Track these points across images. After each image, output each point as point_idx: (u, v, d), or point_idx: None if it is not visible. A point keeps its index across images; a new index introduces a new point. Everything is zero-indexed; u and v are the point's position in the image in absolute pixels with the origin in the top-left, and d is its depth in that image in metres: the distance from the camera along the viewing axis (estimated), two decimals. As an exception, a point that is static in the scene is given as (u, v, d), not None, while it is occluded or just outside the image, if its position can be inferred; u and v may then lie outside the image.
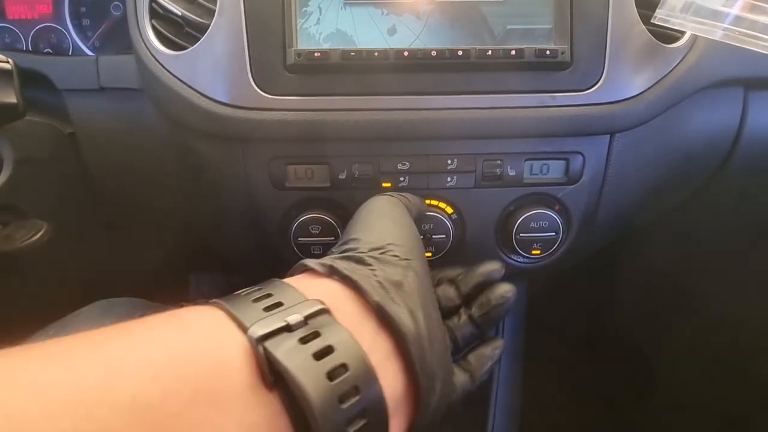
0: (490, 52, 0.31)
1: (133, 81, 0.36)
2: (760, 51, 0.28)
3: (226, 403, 0.15)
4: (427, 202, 0.36)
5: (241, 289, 0.21)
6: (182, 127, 0.35)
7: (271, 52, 0.32)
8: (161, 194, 0.43)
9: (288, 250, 0.36)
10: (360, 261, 0.23)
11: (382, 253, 0.24)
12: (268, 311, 0.18)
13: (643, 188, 0.39)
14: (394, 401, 0.20)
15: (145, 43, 0.33)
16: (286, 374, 0.16)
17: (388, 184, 0.35)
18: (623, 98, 0.33)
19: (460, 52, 0.31)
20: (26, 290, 0.40)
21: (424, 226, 0.36)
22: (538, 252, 0.37)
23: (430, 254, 0.37)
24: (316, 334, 0.18)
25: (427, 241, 0.36)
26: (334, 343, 0.18)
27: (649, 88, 0.33)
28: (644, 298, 0.63)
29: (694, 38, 0.34)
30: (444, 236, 0.36)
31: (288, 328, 0.17)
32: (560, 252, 0.38)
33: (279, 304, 0.19)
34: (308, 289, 0.21)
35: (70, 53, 0.41)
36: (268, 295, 0.19)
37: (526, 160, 0.35)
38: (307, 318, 0.18)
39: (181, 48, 0.33)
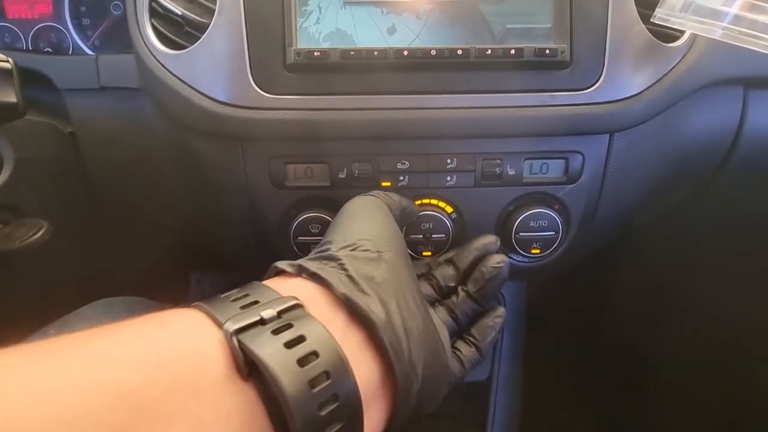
0: (489, 52, 0.31)
1: (132, 80, 0.36)
2: (760, 50, 0.28)
3: (203, 391, 0.16)
4: (427, 201, 0.36)
5: None
6: (182, 126, 0.35)
7: (270, 51, 0.32)
8: (161, 193, 0.43)
9: (288, 249, 0.36)
10: (330, 258, 0.24)
11: (352, 250, 0.25)
12: (244, 309, 0.19)
13: (643, 188, 0.39)
14: (370, 389, 0.21)
15: (145, 43, 0.33)
16: (258, 362, 0.17)
17: (388, 183, 0.35)
18: (623, 97, 0.33)
19: (459, 52, 0.31)
20: (26, 289, 0.40)
21: (424, 225, 0.36)
22: (538, 251, 0.37)
23: (429, 253, 0.37)
24: (288, 326, 0.19)
25: (426, 240, 0.36)
26: (305, 333, 0.19)
27: (648, 88, 0.33)
28: (643, 298, 0.63)
29: (694, 37, 0.34)
30: (443, 235, 0.36)
31: (262, 322, 0.18)
32: (560, 251, 0.38)
33: (255, 302, 0.20)
34: (283, 288, 0.21)
35: (70, 52, 0.41)
36: (246, 296, 0.20)
37: (525, 159, 0.35)
38: (281, 312, 0.19)
39: (181, 47, 0.33)
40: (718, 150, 0.40)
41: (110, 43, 0.41)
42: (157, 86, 0.33)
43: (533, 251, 0.37)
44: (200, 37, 0.32)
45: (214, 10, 0.32)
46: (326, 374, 0.18)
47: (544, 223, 0.36)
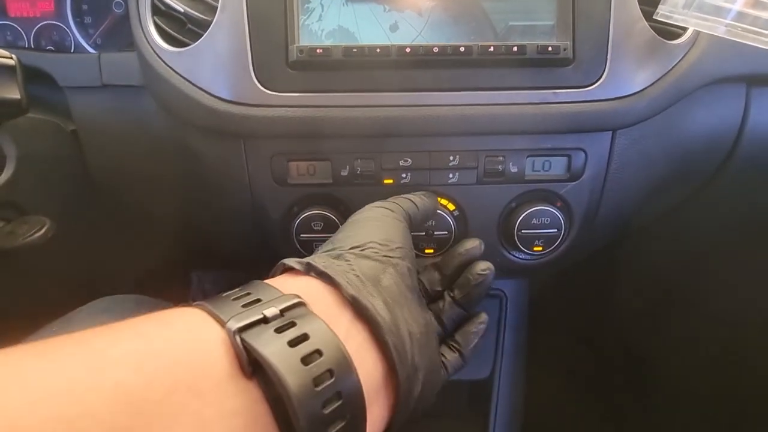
0: (492, 49, 0.31)
1: (135, 78, 0.36)
2: (763, 47, 0.28)
3: (205, 391, 0.16)
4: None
5: None
6: (184, 123, 0.35)
7: (273, 48, 0.32)
8: (163, 191, 0.43)
9: (290, 246, 0.36)
10: (338, 257, 0.24)
11: (362, 250, 0.25)
12: (246, 307, 0.19)
13: (646, 185, 0.39)
14: (373, 388, 0.21)
15: (147, 40, 0.33)
16: (262, 361, 0.17)
17: (390, 181, 0.35)
18: (625, 95, 0.33)
19: (462, 49, 0.31)
20: (29, 287, 0.40)
21: (427, 222, 0.36)
22: (540, 249, 0.37)
23: (432, 251, 0.37)
24: (291, 324, 0.19)
25: (429, 238, 0.36)
26: (309, 331, 0.19)
27: (651, 85, 0.33)
28: (646, 296, 0.63)
29: (697, 34, 0.34)
30: (446, 233, 0.36)
31: (265, 320, 0.18)
32: (562, 249, 0.38)
33: (257, 301, 0.20)
34: (286, 286, 0.21)
35: (72, 51, 0.41)
36: (248, 294, 0.20)
37: (528, 156, 0.35)
38: (283, 311, 0.19)
39: (183, 45, 0.33)
40: (720, 148, 0.40)
41: (112, 41, 0.41)
42: (160, 84, 0.33)
43: (535, 249, 0.37)
44: (203, 35, 0.32)
45: (217, 8, 0.32)
46: (330, 372, 0.18)
47: (547, 220, 0.36)
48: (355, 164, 0.35)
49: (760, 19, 0.28)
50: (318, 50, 0.31)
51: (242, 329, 0.17)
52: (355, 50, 0.31)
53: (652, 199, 0.42)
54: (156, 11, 0.34)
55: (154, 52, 0.33)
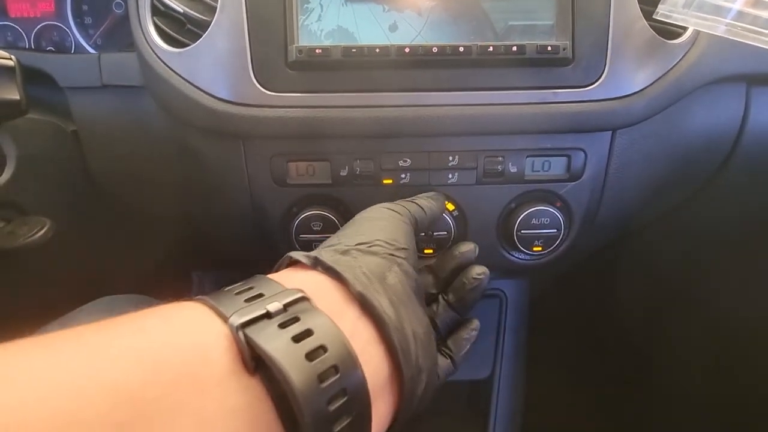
0: (491, 49, 0.31)
1: (135, 78, 0.36)
2: (763, 46, 0.28)
3: (207, 388, 0.16)
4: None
5: None
6: (184, 124, 0.35)
7: (272, 49, 0.32)
8: (163, 191, 0.43)
9: (290, 247, 0.36)
10: (345, 253, 0.24)
11: (369, 247, 0.25)
12: (249, 302, 0.19)
13: (646, 185, 0.39)
14: (379, 385, 0.21)
15: (147, 41, 0.33)
16: (265, 357, 0.17)
17: (390, 181, 0.35)
18: (625, 94, 0.33)
19: (461, 49, 0.31)
20: (29, 287, 0.40)
21: (434, 226, 0.36)
22: (540, 249, 0.37)
23: (431, 251, 0.37)
24: (295, 319, 0.18)
25: (428, 238, 0.36)
26: (313, 327, 0.18)
27: (651, 85, 0.33)
28: (646, 296, 0.63)
29: (697, 34, 0.34)
30: (445, 233, 0.36)
31: (268, 315, 0.18)
32: (562, 249, 0.38)
33: (260, 296, 0.19)
34: (290, 281, 0.21)
35: (72, 51, 0.41)
36: (250, 288, 0.20)
37: (527, 156, 0.35)
38: (287, 306, 0.19)
39: (183, 45, 0.33)
40: (720, 147, 0.40)
41: (112, 42, 0.41)
42: (159, 84, 0.33)
43: (535, 249, 0.37)
44: (202, 35, 0.32)
45: (216, 8, 0.32)
46: (335, 368, 0.18)
47: (546, 220, 0.36)
48: (354, 165, 0.35)
49: (760, 19, 0.28)
50: (317, 50, 0.31)
51: (245, 324, 0.17)
52: (354, 50, 0.31)
53: (653, 199, 0.42)
54: (155, 12, 0.34)
55: (154, 52, 0.33)
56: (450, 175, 0.35)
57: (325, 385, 0.17)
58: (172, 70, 0.33)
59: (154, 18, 0.33)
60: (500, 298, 0.48)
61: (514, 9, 0.32)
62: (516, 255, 0.38)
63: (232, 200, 0.37)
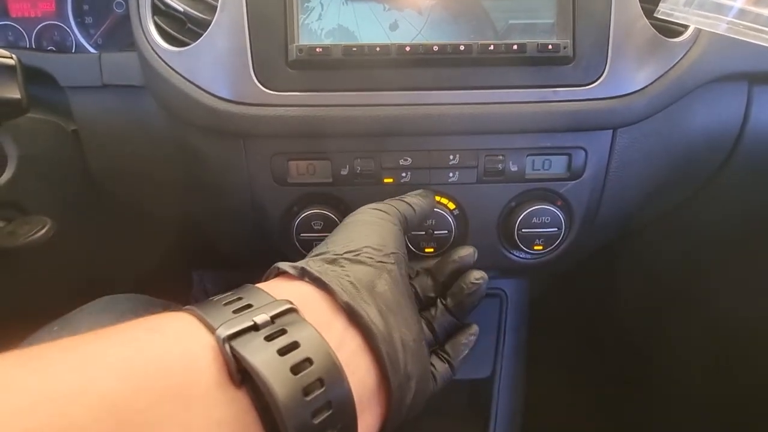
0: (492, 47, 0.31)
1: (135, 78, 0.36)
2: (765, 45, 0.28)
3: (193, 400, 0.16)
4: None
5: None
6: (184, 123, 0.35)
7: (272, 48, 0.32)
8: (163, 190, 0.43)
9: (290, 246, 0.36)
10: (333, 262, 0.24)
11: (356, 255, 0.25)
12: (237, 313, 0.19)
13: (647, 184, 0.39)
14: (365, 396, 0.21)
15: (147, 40, 0.33)
16: (251, 370, 0.17)
17: (390, 180, 0.35)
18: (626, 93, 0.33)
19: (462, 47, 0.31)
20: (30, 286, 0.40)
21: (426, 222, 0.36)
22: (540, 248, 0.37)
23: (432, 249, 0.37)
24: (282, 332, 0.18)
25: (429, 237, 0.36)
26: (299, 339, 0.18)
27: (652, 83, 0.33)
28: (646, 296, 0.63)
29: (698, 32, 0.34)
30: (446, 232, 0.36)
31: (255, 327, 0.18)
32: (562, 248, 0.38)
33: (248, 306, 0.19)
34: (279, 291, 0.21)
35: (73, 51, 0.41)
36: (239, 299, 0.20)
37: (528, 155, 0.35)
38: (274, 317, 0.19)
39: (184, 44, 0.33)
40: (721, 146, 0.39)
41: (113, 41, 0.41)
42: (160, 83, 0.33)
43: (536, 248, 0.37)
44: (202, 34, 0.32)
45: (216, 7, 0.32)
46: (320, 381, 0.18)
47: (547, 219, 0.36)
48: (355, 163, 0.35)
49: (761, 17, 0.28)
50: (317, 49, 0.31)
51: (232, 336, 0.17)
52: (354, 49, 0.31)
53: (653, 198, 0.42)
54: (156, 11, 0.34)
55: (155, 51, 0.33)
56: (450, 174, 0.35)
57: (310, 398, 0.17)
58: (173, 69, 0.33)
59: (155, 17, 0.33)
60: (500, 297, 0.48)
61: (515, 8, 0.32)
62: (516, 254, 0.38)
63: (233, 199, 0.37)
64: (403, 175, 0.35)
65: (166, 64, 0.33)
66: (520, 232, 0.36)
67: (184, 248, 0.55)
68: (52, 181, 0.40)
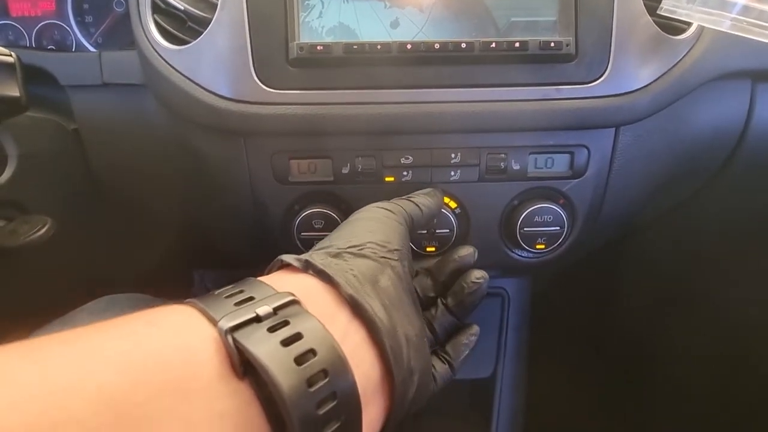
0: (494, 45, 0.31)
1: (136, 76, 0.36)
2: (769, 41, 0.28)
3: (194, 393, 0.16)
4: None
5: None
6: (185, 121, 0.35)
7: (273, 46, 0.32)
8: (164, 190, 0.43)
9: (291, 245, 0.36)
10: (336, 256, 0.24)
11: (360, 250, 0.24)
12: (238, 305, 0.19)
13: (649, 182, 0.39)
14: (369, 389, 0.21)
15: (147, 38, 0.33)
16: (254, 361, 0.16)
17: (392, 179, 0.35)
18: (628, 91, 0.33)
19: (463, 45, 0.31)
20: (30, 285, 0.40)
21: (431, 223, 0.36)
22: (543, 247, 0.37)
23: (433, 248, 0.36)
24: (285, 323, 0.18)
25: (430, 236, 0.36)
26: (303, 330, 0.18)
27: (655, 81, 0.33)
28: (648, 295, 0.62)
29: (701, 29, 0.34)
30: (448, 231, 0.36)
31: (257, 319, 0.18)
32: (565, 247, 0.38)
33: (250, 299, 0.19)
34: (282, 284, 0.21)
35: (73, 50, 0.41)
36: (240, 292, 0.20)
37: (530, 153, 0.35)
38: (277, 309, 0.19)
39: (184, 42, 0.33)
40: (724, 144, 0.39)
41: (113, 40, 0.41)
42: (160, 82, 0.33)
43: (538, 247, 0.37)
44: (203, 33, 0.32)
45: (216, 5, 0.32)
46: (324, 372, 0.18)
47: (549, 218, 0.36)
48: (356, 162, 0.34)
49: (765, 13, 0.28)
50: (318, 47, 0.31)
51: (234, 328, 0.17)
52: (355, 47, 0.31)
53: (656, 196, 0.42)
54: (156, 9, 0.33)
55: (155, 50, 0.33)
56: (452, 173, 0.35)
57: (314, 389, 0.17)
58: (173, 67, 0.33)
59: (155, 15, 0.33)
60: (502, 296, 0.48)
61: (517, 5, 0.32)
62: (519, 253, 0.38)
63: (234, 198, 0.37)
64: (405, 173, 0.35)
65: (166, 62, 0.33)
66: (522, 230, 0.36)
67: (185, 247, 0.55)
68: (53, 180, 0.40)
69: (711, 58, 0.34)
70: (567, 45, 0.32)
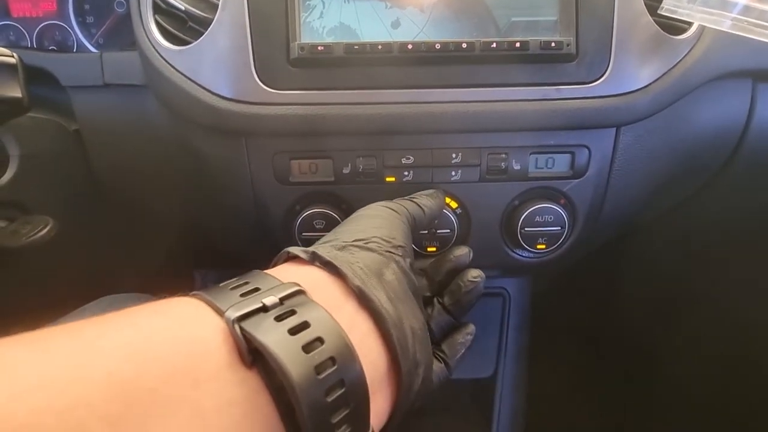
0: (494, 45, 0.31)
1: (137, 77, 0.36)
2: (770, 41, 0.28)
3: (203, 381, 0.16)
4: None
5: None
6: (186, 122, 0.35)
7: (274, 46, 0.32)
8: (165, 190, 0.43)
9: (292, 245, 0.36)
10: (342, 249, 0.24)
11: (365, 243, 0.25)
12: (245, 296, 0.19)
13: (650, 182, 0.39)
14: (377, 378, 0.21)
15: (148, 39, 0.33)
16: (262, 349, 0.16)
17: (392, 179, 0.35)
18: (629, 91, 0.33)
19: (464, 45, 0.31)
20: (32, 286, 0.40)
21: (433, 224, 0.36)
22: (543, 247, 0.37)
23: (434, 249, 0.37)
24: (291, 312, 0.18)
25: (431, 236, 0.36)
26: (309, 319, 0.18)
27: (655, 81, 0.33)
28: (649, 295, 0.62)
29: (702, 29, 0.34)
30: (448, 231, 0.36)
31: (264, 309, 0.18)
32: (565, 247, 0.38)
33: (256, 290, 0.19)
34: (288, 276, 0.21)
35: (74, 50, 0.41)
36: (246, 283, 0.20)
37: (531, 153, 0.35)
38: (283, 299, 0.19)
39: (185, 43, 0.33)
40: (725, 144, 0.39)
41: (114, 41, 0.41)
42: (161, 82, 0.33)
43: (539, 247, 0.37)
44: (204, 33, 0.32)
45: (218, 6, 0.32)
46: (332, 360, 0.18)
47: (550, 218, 0.36)
48: (357, 162, 0.34)
49: (766, 13, 0.28)
50: (319, 47, 0.31)
51: (241, 318, 0.17)
52: (356, 47, 0.31)
53: (657, 196, 0.42)
54: (157, 10, 0.34)
55: (156, 50, 0.33)
56: (453, 173, 0.35)
57: (322, 376, 0.17)
58: (174, 68, 0.33)
59: (156, 16, 0.33)
60: (503, 296, 0.48)
61: (517, 5, 0.32)
62: (519, 253, 0.38)
63: (235, 198, 0.37)
64: (405, 173, 0.35)
65: (167, 62, 0.33)
66: (523, 230, 0.36)
67: (187, 247, 0.55)
68: (54, 181, 0.40)
69: (712, 58, 0.34)
70: (568, 45, 0.32)
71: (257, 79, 0.32)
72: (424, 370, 0.23)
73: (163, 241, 0.51)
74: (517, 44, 0.31)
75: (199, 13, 0.32)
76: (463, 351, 0.29)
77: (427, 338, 0.25)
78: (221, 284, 0.20)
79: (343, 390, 0.18)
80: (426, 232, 0.36)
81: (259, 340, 0.17)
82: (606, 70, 0.32)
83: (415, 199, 0.32)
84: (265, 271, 0.22)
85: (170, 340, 0.16)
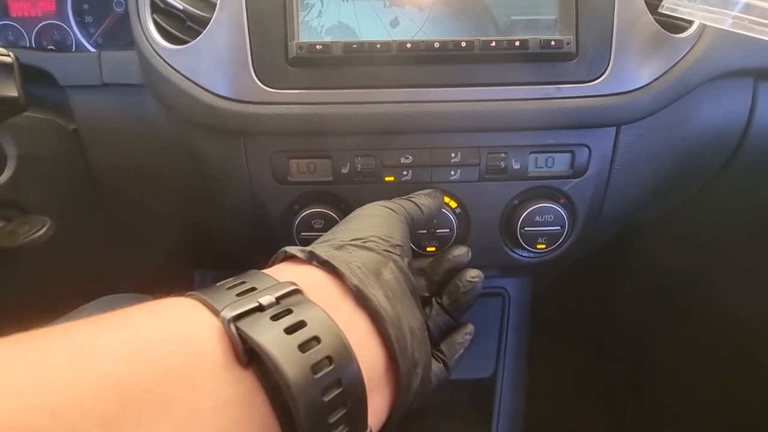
0: (494, 44, 0.31)
1: (135, 77, 0.36)
2: (771, 39, 0.28)
3: (198, 380, 0.15)
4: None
5: None
6: (184, 121, 0.34)
7: (272, 45, 0.31)
8: (164, 190, 0.43)
9: (291, 245, 0.36)
10: (340, 248, 0.24)
11: (363, 242, 0.25)
12: (241, 296, 0.19)
13: (651, 182, 0.39)
14: (375, 378, 0.21)
15: (147, 38, 0.33)
16: (258, 348, 0.16)
17: (391, 178, 0.35)
18: (630, 89, 0.32)
19: (463, 44, 0.31)
20: (30, 286, 0.40)
21: (431, 223, 0.35)
22: (543, 246, 0.37)
23: (434, 248, 0.36)
24: (288, 312, 0.18)
25: (431, 236, 0.36)
26: (306, 319, 0.18)
27: (656, 79, 0.33)
28: (648, 296, 0.62)
29: (703, 27, 0.33)
30: (448, 230, 0.36)
31: (260, 308, 0.18)
32: (565, 246, 0.37)
33: (252, 289, 0.19)
34: (285, 275, 0.21)
35: (73, 50, 0.41)
36: (242, 283, 0.20)
37: (530, 152, 0.35)
38: (279, 298, 0.19)
39: (183, 42, 0.33)
40: (726, 143, 0.39)
41: (112, 40, 0.41)
42: (159, 82, 0.33)
43: (538, 246, 0.37)
44: (202, 32, 0.32)
45: (215, 5, 0.32)
46: (329, 359, 0.17)
47: (550, 217, 0.36)
48: (355, 161, 0.34)
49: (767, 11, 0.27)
50: (317, 46, 0.31)
51: (237, 317, 0.17)
52: (355, 46, 0.31)
53: (658, 196, 0.41)
54: (155, 9, 0.33)
55: (154, 50, 0.33)
56: (452, 172, 0.35)
57: (318, 375, 0.17)
58: (172, 67, 0.33)
59: (154, 15, 0.33)
60: (503, 296, 0.48)
61: (517, 4, 0.32)
62: (519, 253, 0.38)
63: (233, 198, 0.37)
64: (404, 173, 0.35)
65: (165, 62, 0.33)
66: (522, 230, 0.36)
67: (185, 247, 0.55)
68: (52, 181, 0.40)
69: (712, 56, 0.34)
70: (568, 44, 0.31)
71: (255, 78, 0.32)
72: (423, 370, 0.23)
73: (161, 241, 0.51)
74: (517, 43, 0.31)
75: (198, 12, 0.32)
76: (461, 351, 0.29)
77: (426, 338, 0.25)
78: (218, 284, 0.20)
79: (340, 390, 0.17)
80: (425, 231, 0.36)
81: (255, 340, 0.16)
82: (606, 69, 0.32)
83: (413, 199, 0.32)
84: (262, 270, 0.22)
85: (166, 340, 0.16)
